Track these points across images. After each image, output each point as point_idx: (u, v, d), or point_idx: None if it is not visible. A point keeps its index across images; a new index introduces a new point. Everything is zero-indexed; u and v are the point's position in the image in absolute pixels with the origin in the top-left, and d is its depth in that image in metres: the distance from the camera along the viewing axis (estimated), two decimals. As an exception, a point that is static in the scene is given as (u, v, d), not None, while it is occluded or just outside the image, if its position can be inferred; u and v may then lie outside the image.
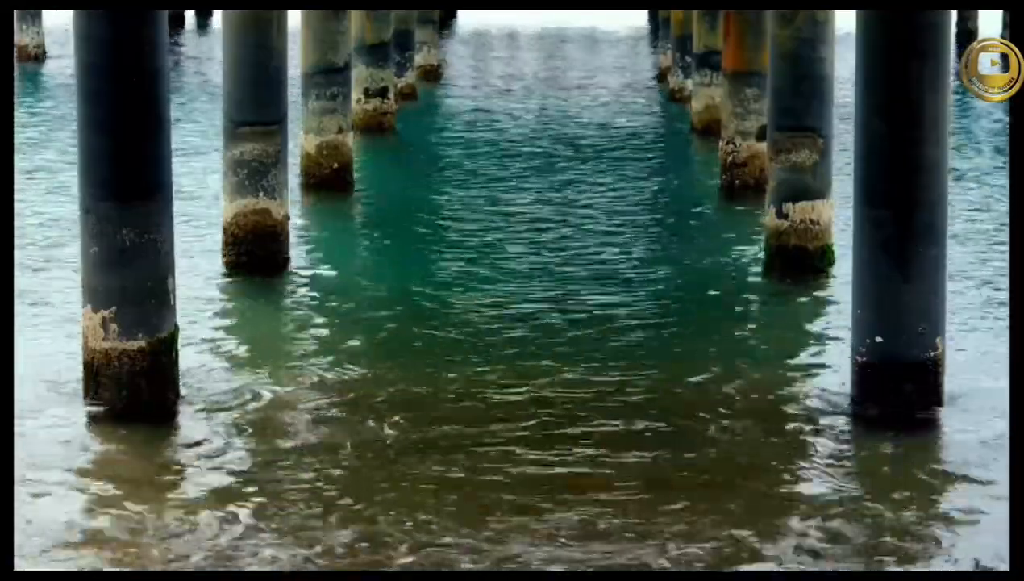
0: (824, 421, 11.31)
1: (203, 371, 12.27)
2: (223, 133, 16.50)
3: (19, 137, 23.76)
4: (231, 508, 9.57)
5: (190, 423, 11.15)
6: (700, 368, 12.60)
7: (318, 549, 8.98)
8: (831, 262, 15.87)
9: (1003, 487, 9.51)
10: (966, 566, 8.88)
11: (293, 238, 16.82)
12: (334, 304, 14.85)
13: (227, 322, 14.20)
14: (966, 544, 9.17)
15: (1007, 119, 22.69)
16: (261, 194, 16.21)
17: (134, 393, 11.32)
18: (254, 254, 16.12)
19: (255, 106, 16.20)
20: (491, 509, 9.56)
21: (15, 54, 35.96)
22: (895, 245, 11.40)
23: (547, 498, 9.74)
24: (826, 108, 15.93)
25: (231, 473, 10.21)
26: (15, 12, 36.01)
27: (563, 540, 9.11)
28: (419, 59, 32.95)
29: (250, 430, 11.07)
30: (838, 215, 16.18)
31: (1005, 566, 8.56)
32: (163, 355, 11.50)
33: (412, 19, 31.34)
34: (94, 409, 11.29)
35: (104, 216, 11.29)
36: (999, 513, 9.31)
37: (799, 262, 15.81)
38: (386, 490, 9.88)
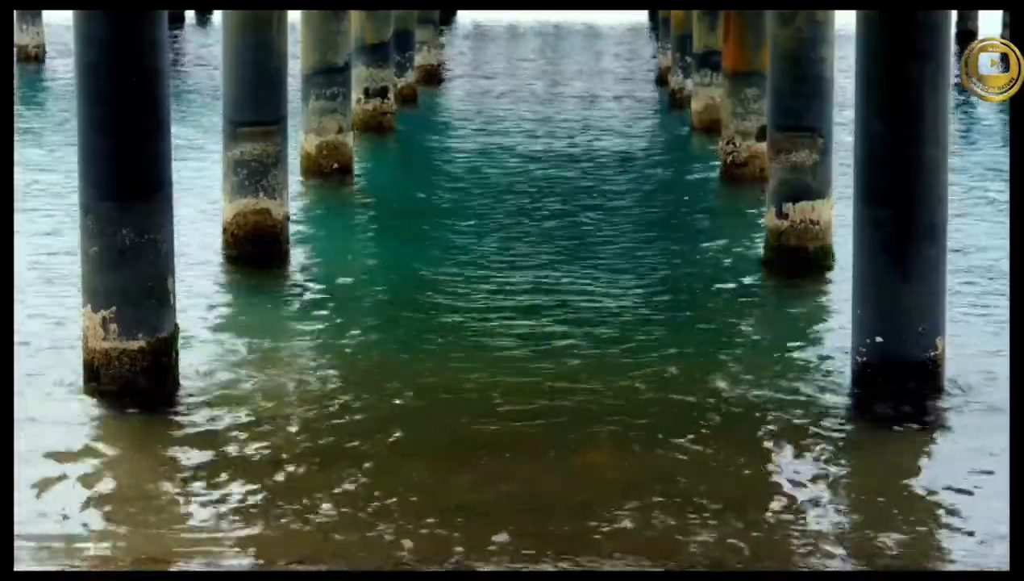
0: (825, 421, 11.31)
1: (203, 371, 12.27)
2: (223, 133, 16.50)
3: (19, 137, 23.76)
4: (228, 505, 9.58)
5: (190, 422, 11.15)
6: (699, 367, 12.60)
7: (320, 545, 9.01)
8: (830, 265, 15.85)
9: (1003, 486, 9.51)
10: (965, 564, 8.89)
11: (293, 237, 16.83)
12: (333, 302, 14.85)
13: (227, 321, 14.19)
14: (965, 543, 9.18)
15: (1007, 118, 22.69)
16: (261, 194, 16.22)
17: (134, 393, 11.32)
18: (254, 253, 16.13)
19: (255, 106, 16.20)
20: (498, 519, 9.58)
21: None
22: (895, 245, 11.41)
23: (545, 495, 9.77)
24: (826, 108, 15.93)
25: (229, 471, 10.21)
26: (15, 12, 36.00)
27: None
28: (419, 59, 32.94)
29: (250, 429, 11.06)
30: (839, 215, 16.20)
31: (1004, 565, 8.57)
32: (163, 355, 11.51)
33: (412, 19, 31.32)
34: (94, 408, 11.29)
35: (104, 216, 11.29)
36: (998, 513, 9.32)
37: (799, 262, 15.81)
38: (384, 485, 9.89)
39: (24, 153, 22.83)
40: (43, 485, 9.90)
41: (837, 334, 13.45)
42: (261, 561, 8.86)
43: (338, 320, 14.18)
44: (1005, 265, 14.80)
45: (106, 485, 9.97)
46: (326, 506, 9.64)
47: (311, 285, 15.62)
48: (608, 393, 11.96)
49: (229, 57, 16.28)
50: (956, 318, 13.53)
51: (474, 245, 17.64)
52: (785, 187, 15.85)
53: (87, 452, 10.59)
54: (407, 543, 9.10)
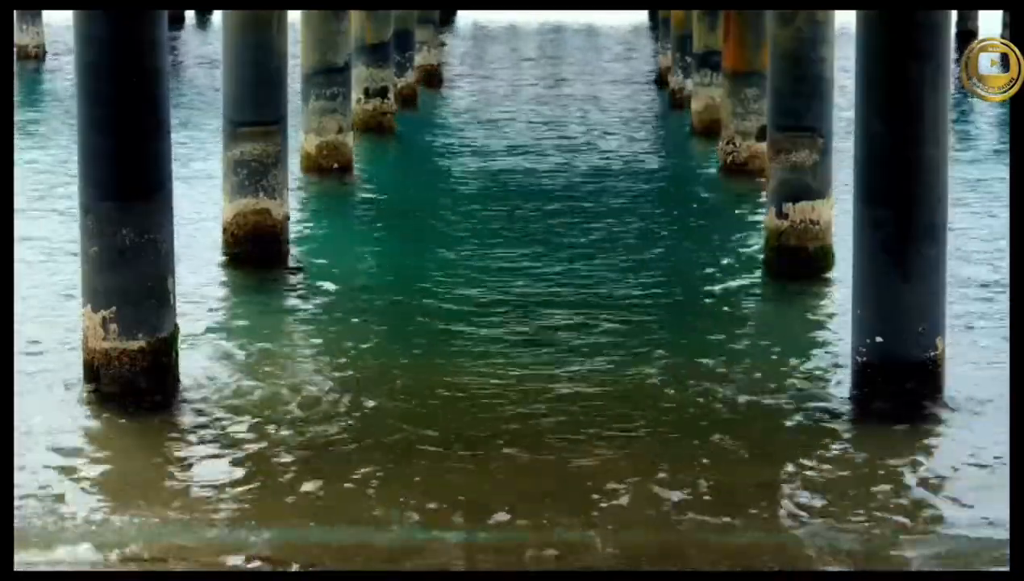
0: (825, 421, 11.31)
1: (203, 370, 12.27)
2: (223, 133, 16.51)
3: (18, 137, 23.77)
4: (228, 505, 9.59)
5: (190, 422, 11.15)
6: (699, 367, 12.60)
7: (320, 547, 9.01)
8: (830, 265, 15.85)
9: (1003, 486, 9.51)
10: (965, 564, 8.89)
11: (292, 237, 16.84)
12: (333, 301, 14.85)
13: (227, 321, 14.20)
14: (965, 542, 9.18)
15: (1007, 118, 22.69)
16: (261, 194, 16.23)
17: (134, 393, 11.32)
18: (254, 253, 16.13)
19: (255, 106, 16.21)
20: (498, 517, 9.58)
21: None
22: (895, 245, 11.40)
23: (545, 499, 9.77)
24: (826, 108, 15.92)
25: (229, 471, 10.21)
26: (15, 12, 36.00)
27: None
28: (419, 59, 32.94)
29: (250, 429, 11.06)
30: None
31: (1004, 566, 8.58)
32: (163, 355, 11.51)
33: (412, 19, 31.32)
34: (94, 408, 11.29)
35: (104, 216, 11.29)
36: (998, 513, 9.32)
37: (799, 262, 15.81)
38: (383, 483, 9.89)
39: (24, 153, 22.82)
40: (43, 485, 9.89)
41: (837, 334, 13.45)
42: (261, 561, 8.86)
43: (338, 320, 14.18)
44: (1004, 265, 14.80)
45: (106, 485, 9.97)
46: (326, 505, 9.64)
47: (310, 284, 15.61)
48: (608, 392, 11.97)
49: (229, 57, 16.29)
50: (955, 317, 13.54)
51: (474, 245, 17.63)
52: (785, 187, 15.85)
53: (87, 452, 10.59)
54: (408, 543, 9.10)
